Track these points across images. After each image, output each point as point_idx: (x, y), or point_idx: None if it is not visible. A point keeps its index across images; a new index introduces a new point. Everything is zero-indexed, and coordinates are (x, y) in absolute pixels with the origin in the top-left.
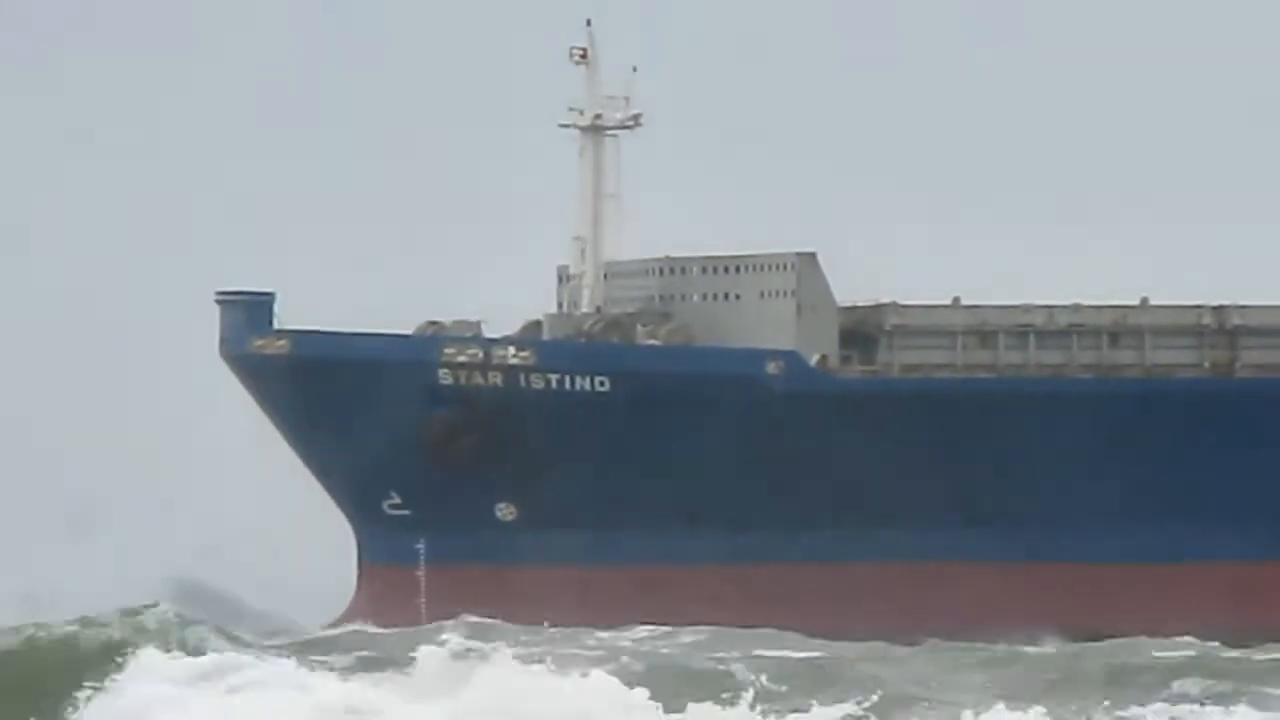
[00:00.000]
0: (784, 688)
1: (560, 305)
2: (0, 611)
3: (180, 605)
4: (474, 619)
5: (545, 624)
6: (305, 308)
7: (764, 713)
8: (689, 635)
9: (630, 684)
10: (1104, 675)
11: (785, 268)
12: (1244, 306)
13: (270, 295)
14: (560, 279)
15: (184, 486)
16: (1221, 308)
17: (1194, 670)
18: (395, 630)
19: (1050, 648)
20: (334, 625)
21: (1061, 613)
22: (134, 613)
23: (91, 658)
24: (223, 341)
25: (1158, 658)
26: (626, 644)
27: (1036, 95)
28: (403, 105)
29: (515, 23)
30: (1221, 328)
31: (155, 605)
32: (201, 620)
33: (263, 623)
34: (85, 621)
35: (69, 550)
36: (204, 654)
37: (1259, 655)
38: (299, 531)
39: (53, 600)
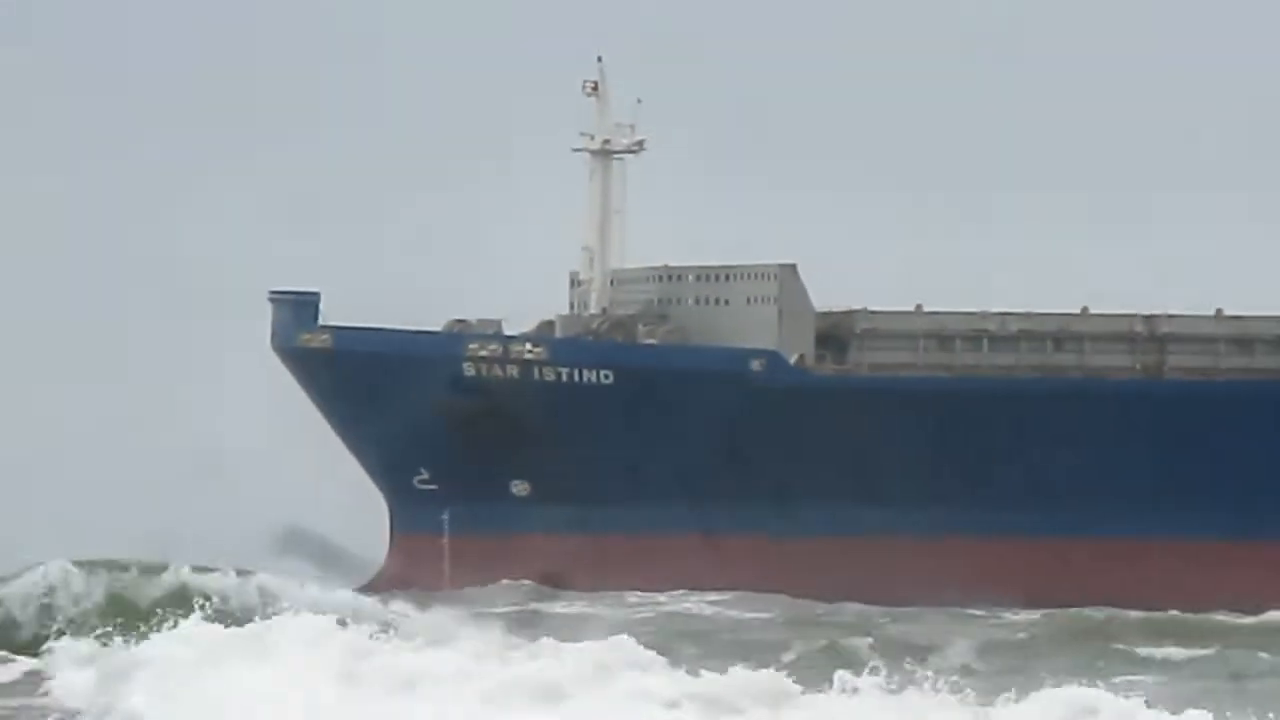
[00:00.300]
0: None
1: (571, 307)
2: (131, 548)
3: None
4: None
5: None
6: (347, 306)
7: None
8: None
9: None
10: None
11: (769, 277)
12: (1172, 316)
13: (316, 295)
14: (572, 284)
15: (240, 463)
16: (1152, 317)
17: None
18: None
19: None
20: (367, 587)
21: (1007, 581)
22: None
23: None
24: (273, 335)
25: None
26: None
27: (997, 121)
28: (438, 132)
29: (537, 57)
30: (1152, 334)
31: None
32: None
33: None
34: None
35: (193, 495)
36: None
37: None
38: (337, 504)
39: (176, 542)
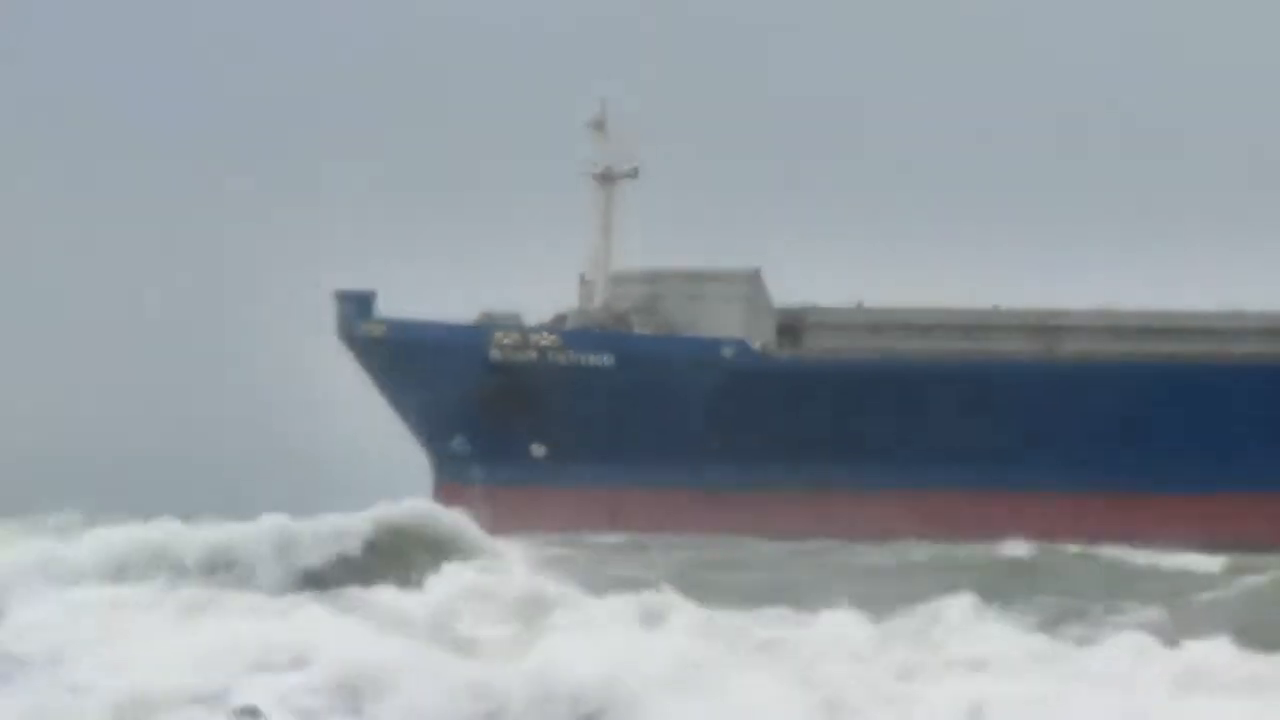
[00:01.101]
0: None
1: (580, 302)
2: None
3: None
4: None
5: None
6: (398, 301)
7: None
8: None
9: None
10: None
11: (738, 280)
12: (1065, 311)
13: (372, 293)
14: (580, 283)
15: (313, 428)
16: (1048, 311)
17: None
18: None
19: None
20: None
21: (925, 525)
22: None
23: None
24: (339, 326)
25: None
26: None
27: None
28: (467, 157)
29: (552, 94)
30: (1045, 326)
31: None
32: None
33: None
34: None
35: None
36: None
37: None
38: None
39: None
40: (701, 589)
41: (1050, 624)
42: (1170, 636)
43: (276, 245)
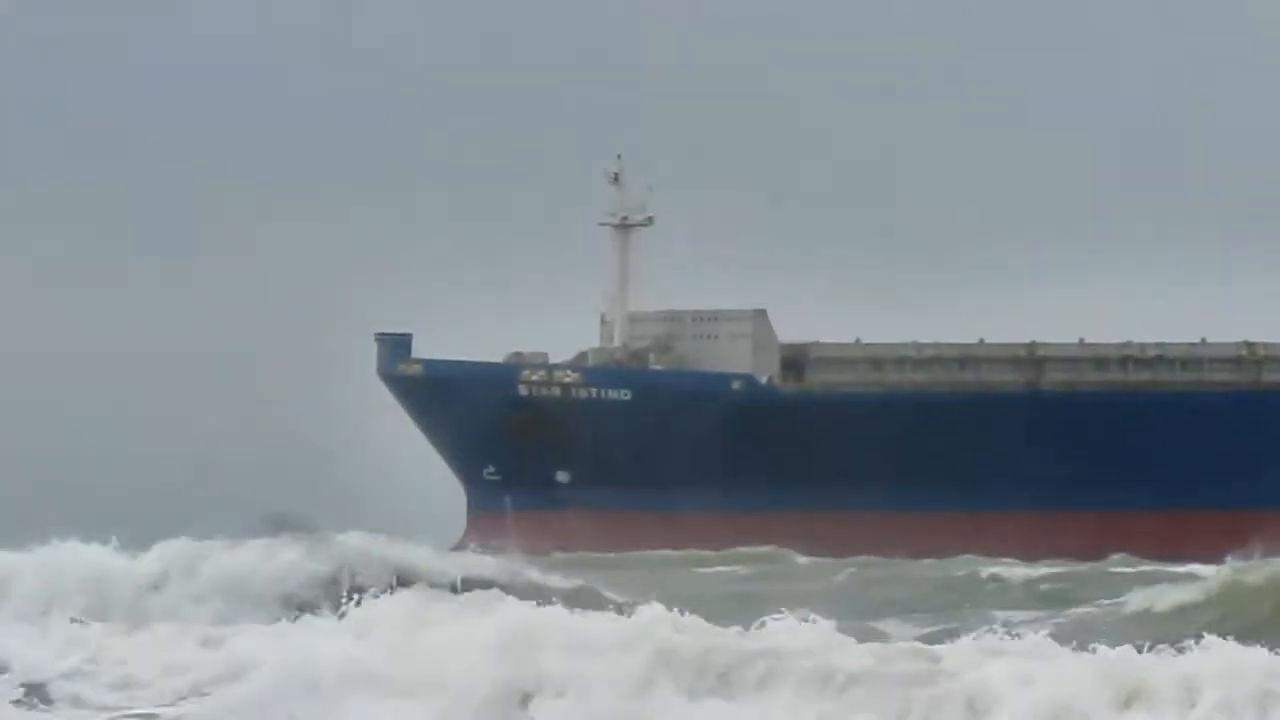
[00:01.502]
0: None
1: (601, 341)
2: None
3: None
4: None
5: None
6: (433, 342)
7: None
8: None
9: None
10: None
11: (745, 319)
12: (1047, 344)
13: (409, 335)
14: (601, 323)
15: (356, 460)
16: (1032, 344)
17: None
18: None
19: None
20: (456, 547)
21: (922, 542)
22: None
23: None
24: (379, 366)
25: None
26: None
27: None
28: (501, 208)
29: (573, 150)
30: (1031, 357)
31: None
32: None
33: None
34: None
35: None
36: None
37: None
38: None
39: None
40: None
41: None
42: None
43: (319, 289)
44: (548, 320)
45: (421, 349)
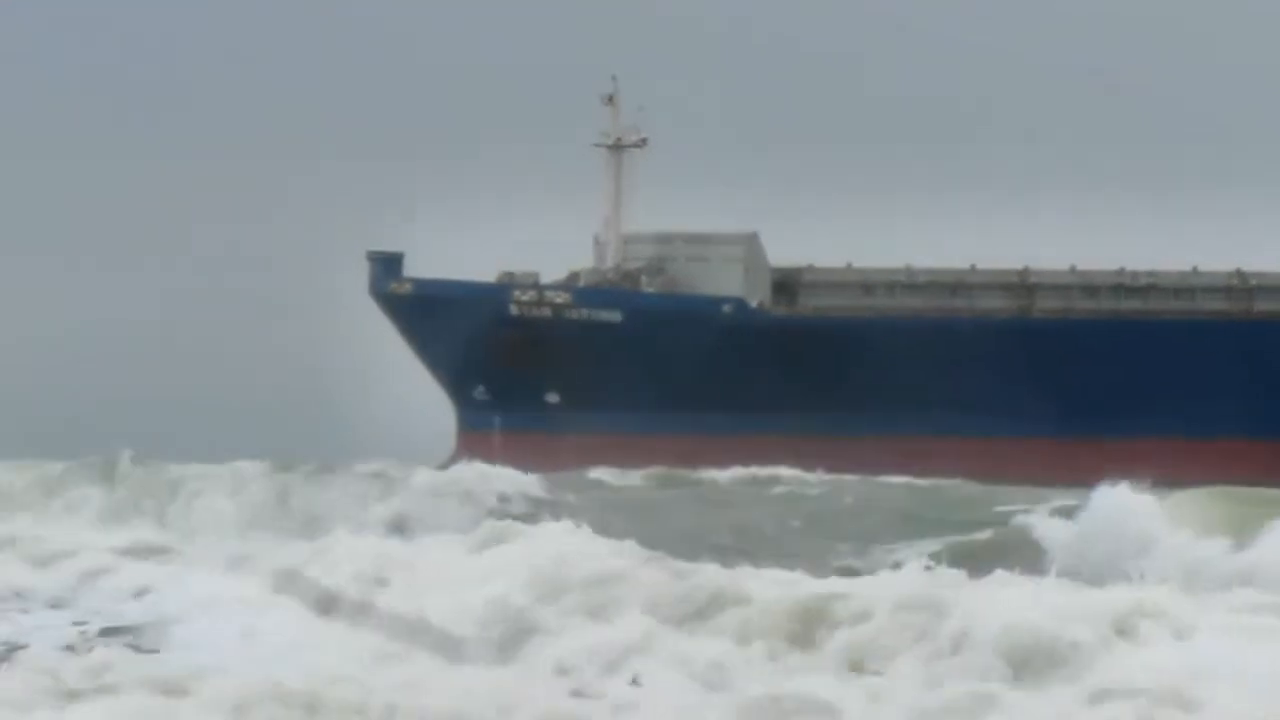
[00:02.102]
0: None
1: (595, 262)
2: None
3: None
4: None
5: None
6: (425, 261)
7: None
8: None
9: None
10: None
11: (736, 242)
12: (1038, 270)
13: (400, 254)
14: (595, 244)
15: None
16: (1024, 270)
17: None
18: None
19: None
20: (444, 466)
21: (913, 467)
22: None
23: None
24: (371, 284)
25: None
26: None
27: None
28: (494, 127)
29: (575, 70)
30: (1023, 284)
31: None
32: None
33: None
34: None
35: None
36: None
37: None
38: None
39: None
40: None
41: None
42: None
43: (319, 204)
44: (543, 240)
45: (416, 268)
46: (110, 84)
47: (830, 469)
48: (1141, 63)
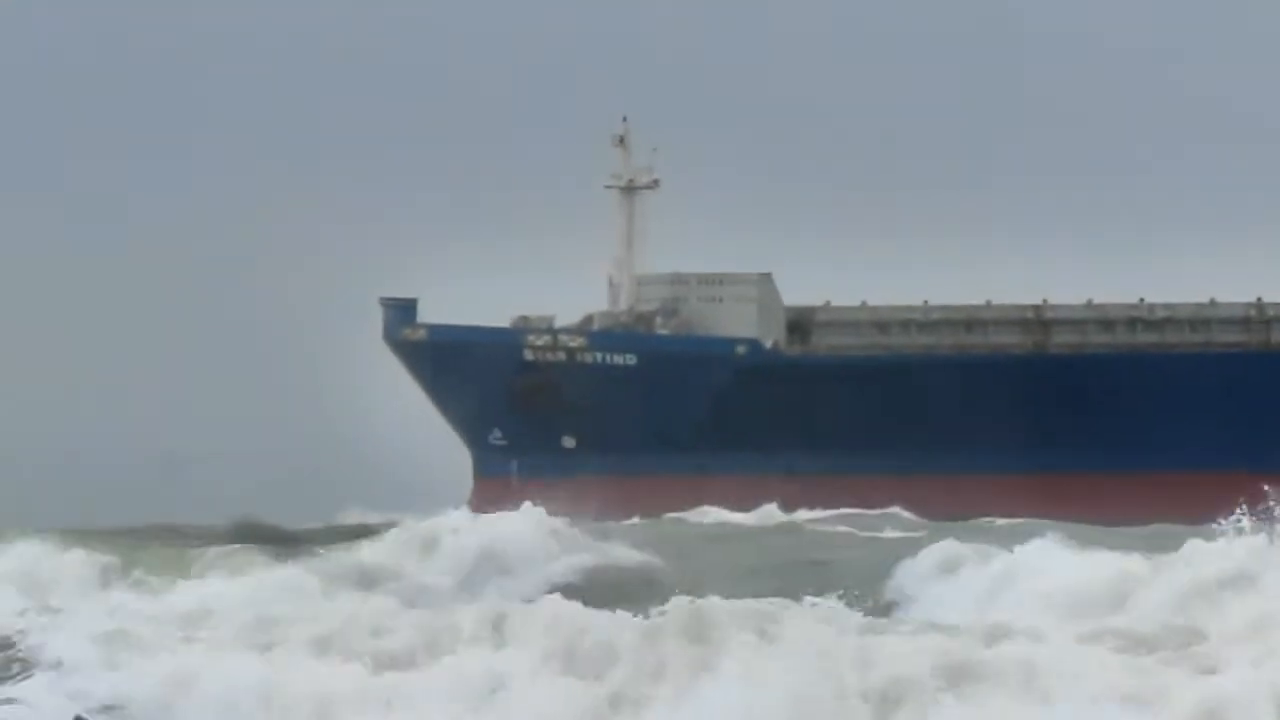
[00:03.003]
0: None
1: (609, 304)
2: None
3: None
4: None
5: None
6: (439, 307)
7: None
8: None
9: None
10: None
11: (750, 282)
12: (1055, 305)
13: (414, 300)
14: (609, 286)
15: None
16: (1039, 306)
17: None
18: None
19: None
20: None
21: (926, 505)
22: None
23: None
24: (384, 331)
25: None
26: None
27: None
28: (507, 171)
29: (587, 111)
30: (1039, 319)
31: None
32: None
33: None
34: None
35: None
36: None
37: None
38: (433, 452)
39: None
40: None
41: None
42: None
43: (324, 256)
44: (556, 283)
45: (428, 314)
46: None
47: (849, 507)
48: (1155, 91)
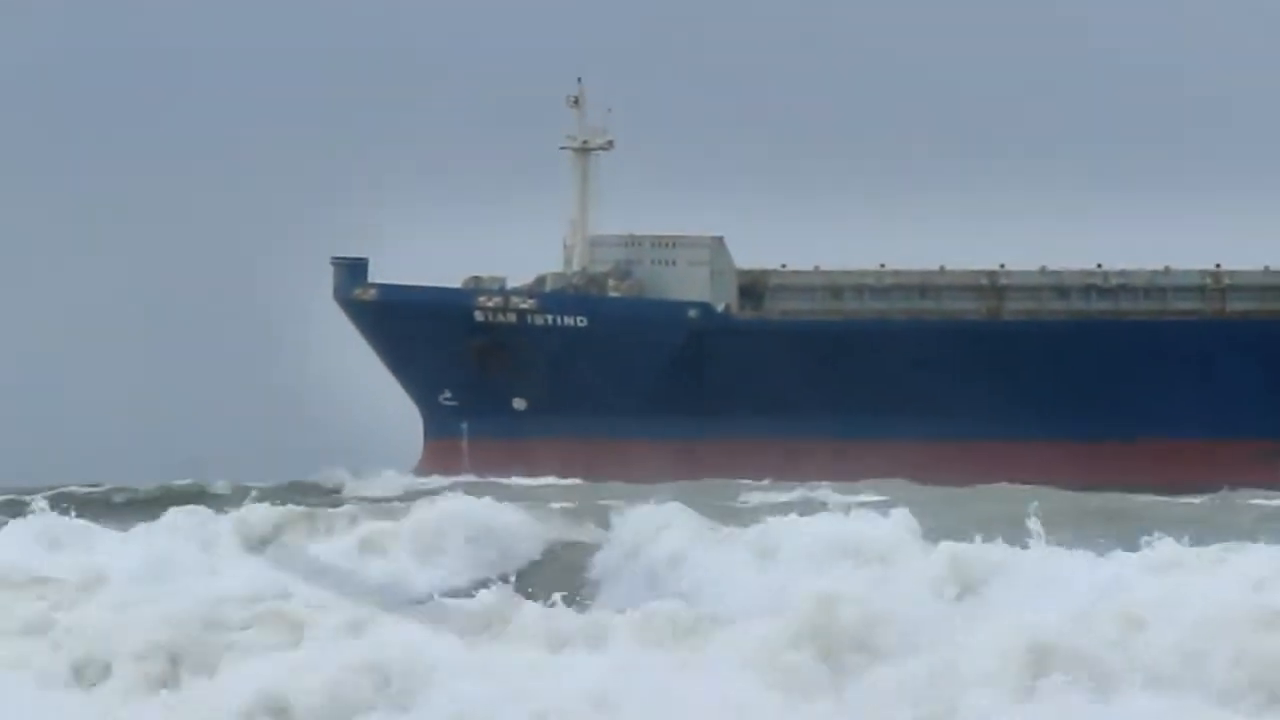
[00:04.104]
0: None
1: (563, 265)
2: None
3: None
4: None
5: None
6: (394, 267)
7: None
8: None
9: None
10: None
11: (703, 245)
12: (1009, 271)
13: (365, 260)
14: (564, 246)
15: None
16: (994, 271)
17: None
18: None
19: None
20: (411, 472)
21: (880, 472)
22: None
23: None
24: (335, 290)
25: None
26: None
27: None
28: (464, 135)
29: (535, 74)
30: (993, 286)
31: None
32: None
33: None
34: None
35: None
36: None
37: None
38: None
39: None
40: None
41: None
42: None
43: (275, 214)
44: (512, 244)
45: (382, 274)
46: (69, 91)
47: (794, 477)
48: (1117, 62)
